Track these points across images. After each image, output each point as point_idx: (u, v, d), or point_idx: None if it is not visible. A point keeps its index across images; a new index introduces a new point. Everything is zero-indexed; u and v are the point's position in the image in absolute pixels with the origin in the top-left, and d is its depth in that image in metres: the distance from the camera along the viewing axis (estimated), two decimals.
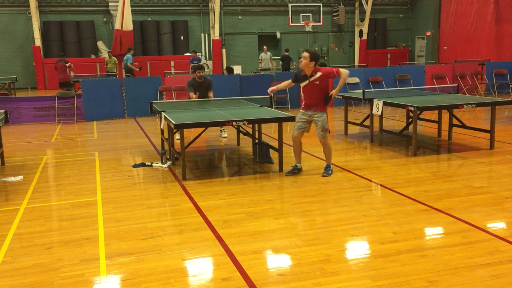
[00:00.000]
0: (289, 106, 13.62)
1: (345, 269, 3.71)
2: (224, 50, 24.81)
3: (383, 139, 8.38)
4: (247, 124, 6.82)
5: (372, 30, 26.64)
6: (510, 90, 14.89)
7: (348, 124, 9.56)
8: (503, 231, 4.42)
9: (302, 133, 6.49)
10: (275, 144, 6.96)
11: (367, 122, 8.87)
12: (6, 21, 22.86)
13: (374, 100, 8.18)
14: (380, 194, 5.70)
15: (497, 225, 4.58)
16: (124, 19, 20.81)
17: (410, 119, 8.10)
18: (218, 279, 3.61)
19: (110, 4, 23.05)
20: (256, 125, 7.72)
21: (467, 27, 22.32)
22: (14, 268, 3.89)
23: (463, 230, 4.42)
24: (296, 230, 4.57)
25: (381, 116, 8.12)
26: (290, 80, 6.59)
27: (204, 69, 9.52)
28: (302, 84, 6.34)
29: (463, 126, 8.39)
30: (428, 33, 25.63)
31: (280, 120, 6.76)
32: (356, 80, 14.50)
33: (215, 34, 23.92)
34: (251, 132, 7.89)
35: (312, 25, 23.37)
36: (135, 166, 7.35)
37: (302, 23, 23.08)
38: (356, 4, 26.24)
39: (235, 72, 16.16)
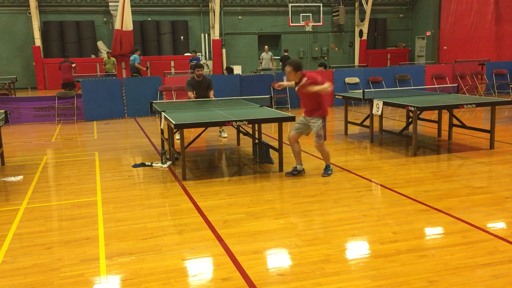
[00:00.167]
0: (289, 106, 13.61)
1: (345, 269, 3.71)
2: (224, 50, 24.80)
3: (383, 139, 8.38)
4: (247, 124, 6.82)
5: (372, 30, 26.64)
6: (510, 90, 14.89)
7: (348, 124, 9.56)
8: (503, 231, 4.42)
9: (298, 134, 6.50)
10: (275, 144, 6.96)
11: (367, 122, 8.88)
12: (6, 21, 22.86)
13: (374, 100, 8.18)
14: (380, 194, 5.70)
15: (497, 225, 4.58)
16: (124, 19, 20.79)
17: (410, 119, 8.10)
18: (218, 279, 3.61)
19: (110, 4, 23.05)
20: (256, 125, 7.72)
21: (467, 27, 22.31)
22: (14, 268, 3.89)
23: (463, 230, 4.42)
24: (296, 230, 4.57)
25: (381, 116, 8.12)
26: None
27: (203, 67, 9.48)
28: (296, 89, 6.44)
29: (463, 126, 8.39)
30: (428, 33, 25.62)
31: (280, 120, 6.76)
32: (356, 80, 14.48)
33: (215, 34, 23.91)
34: (251, 132, 7.89)
35: (312, 25, 23.36)
36: (135, 166, 7.35)
37: (302, 23, 23.06)
38: (356, 4, 26.23)
39: (235, 72, 16.15)
